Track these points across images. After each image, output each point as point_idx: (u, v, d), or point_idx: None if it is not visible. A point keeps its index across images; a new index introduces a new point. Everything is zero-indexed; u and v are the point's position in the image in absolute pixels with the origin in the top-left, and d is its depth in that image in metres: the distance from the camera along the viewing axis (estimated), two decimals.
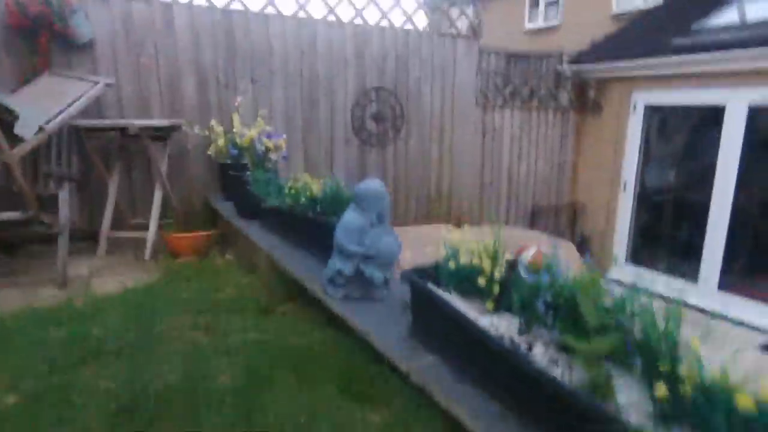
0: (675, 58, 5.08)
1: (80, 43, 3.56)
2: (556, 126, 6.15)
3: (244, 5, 4.20)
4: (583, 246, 6.23)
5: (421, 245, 4.34)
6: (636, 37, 6.15)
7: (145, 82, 3.90)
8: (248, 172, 3.07)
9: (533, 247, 4.15)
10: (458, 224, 5.60)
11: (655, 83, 5.48)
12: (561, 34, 12.07)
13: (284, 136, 3.68)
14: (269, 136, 3.30)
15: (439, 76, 5.18)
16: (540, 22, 12.60)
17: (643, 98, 5.71)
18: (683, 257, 5.81)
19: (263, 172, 3.03)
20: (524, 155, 5.98)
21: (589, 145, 6.31)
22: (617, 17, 10.65)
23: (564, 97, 6.13)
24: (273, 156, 3.26)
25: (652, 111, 5.75)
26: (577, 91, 6.19)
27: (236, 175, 3.23)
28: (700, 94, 5.12)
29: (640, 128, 5.81)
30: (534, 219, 6.20)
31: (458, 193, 5.58)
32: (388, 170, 5.10)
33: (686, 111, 5.51)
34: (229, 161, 3.51)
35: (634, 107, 5.81)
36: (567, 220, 6.42)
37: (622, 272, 6.10)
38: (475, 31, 5.28)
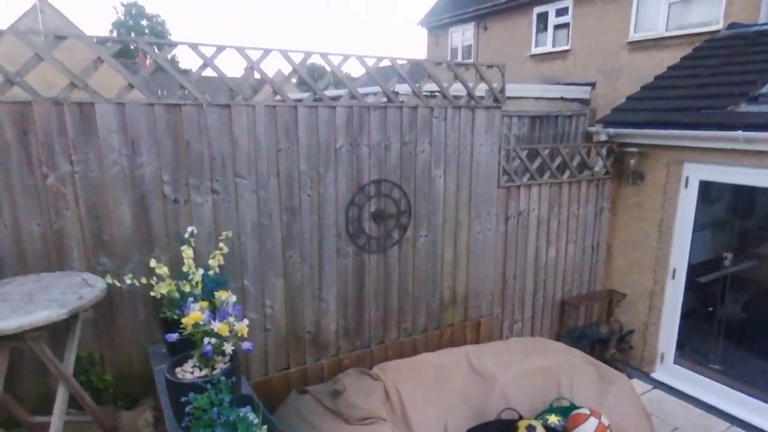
0: (741, 134, 4.07)
1: None
2: (590, 200, 5.12)
3: (195, 96, 3.15)
4: (622, 344, 5.22)
5: (445, 399, 3.31)
6: (682, 92, 5.14)
7: (56, 212, 2.81)
8: (190, 393, 2.01)
9: (592, 419, 2.99)
10: (477, 333, 4.57)
11: (715, 156, 4.47)
12: (570, 60, 11.10)
13: (245, 316, 2.41)
14: (224, 315, 2.23)
15: (453, 157, 4.13)
16: (548, 47, 11.62)
17: (699, 172, 4.70)
18: (749, 361, 4.83)
19: (209, 396, 1.95)
20: (553, 239, 4.95)
21: (628, 221, 5.29)
22: (636, 44, 9.71)
23: (598, 165, 5.10)
24: (228, 348, 2.19)
25: (710, 186, 4.75)
26: (614, 158, 5.17)
27: (173, 383, 2.14)
28: None
29: (693, 207, 4.80)
30: (564, 312, 5.18)
31: (476, 294, 4.53)
32: (391, 279, 4.04)
33: (756, 190, 4.51)
34: (173, 330, 2.41)
35: (687, 182, 4.80)
36: (601, 310, 5.40)
37: (670, 374, 5.10)
38: (497, 99, 4.24)
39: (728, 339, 5.15)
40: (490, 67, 4.19)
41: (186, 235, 2.91)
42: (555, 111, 5.46)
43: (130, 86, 3.12)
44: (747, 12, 8.09)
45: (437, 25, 14.89)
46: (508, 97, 9.45)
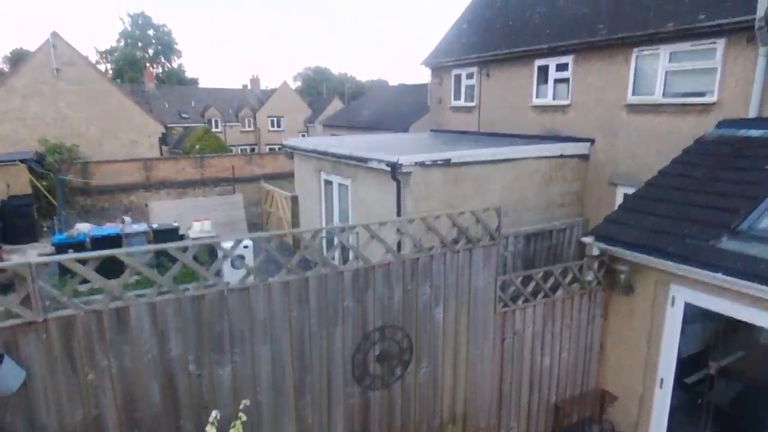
0: (721, 277, 4.37)
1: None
2: (583, 310, 5.43)
3: (217, 285, 3.48)
4: None
5: None
6: (670, 210, 5.41)
7: (95, 403, 3.16)
8: None
9: None
10: None
11: (700, 286, 4.76)
12: (571, 114, 11.36)
13: None
14: None
15: (452, 294, 4.45)
16: (548, 99, 11.88)
17: (684, 294, 4.99)
18: None
19: None
20: (547, 350, 5.26)
21: (619, 327, 5.59)
22: (633, 107, 9.97)
23: (591, 277, 5.40)
24: None
25: (695, 308, 5.03)
26: (607, 269, 5.46)
27: None
28: (754, 314, 4.41)
29: (680, 324, 5.09)
30: (558, 413, 5.49)
31: (474, 409, 4.86)
32: (394, 410, 4.37)
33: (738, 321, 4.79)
34: None
35: (673, 301, 5.09)
36: (594, 411, 5.70)
37: None
38: (493, 237, 4.54)
39: None
40: (485, 210, 4.50)
41: (210, 419, 3.24)
42: (549, 226, 5.75)
43: None
44: (740, 87, 8.35)
45: (440, 67, 15.16)
46: (509, 159, 9.72)
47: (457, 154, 9.08)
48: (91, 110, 18.68)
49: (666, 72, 9.38)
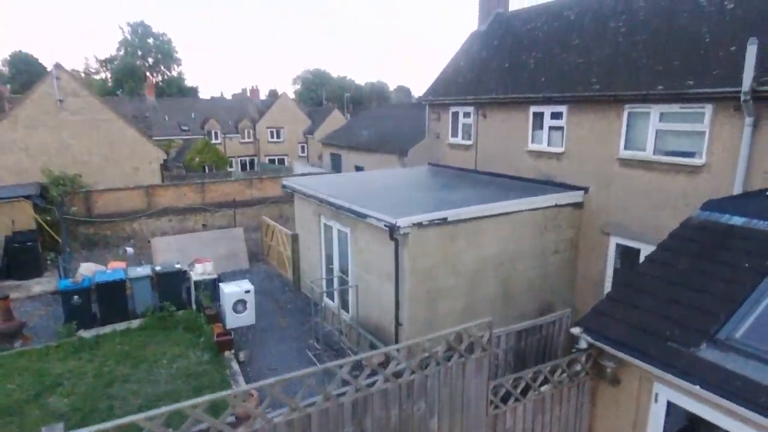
0: (698, 389, 4.64)
1: None
2: (572, 398, 5.69)
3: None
4: None
5: None
6: (653, 304, 5.68)
7: None
8: None
9: None
10: None
11: (681, 389, 5.02)
12: (565, 162, 11.61)
13: None
14: None
15: (446, 404, 4.71)
16: (543, 145, 12.13)
17: (667, 394, 5.26)
18: None
19: None
20: None
21: (607, 413, 5.85)
22: (625, 161, 10.22)
23: (579, 367, 5.66)
24: None
25: (677, 407, 5.29)
26: (594, 360, 5.73)
27: None
28: (731, 425, 4.67)
29: (662, 420, 5.36)
30: None
31: None
32: None
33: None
34: None
35: (656, 397, 5.36)
36: None
37: None
38: (484, 348, 4.80)
39: None
40: (479, 324, 4.76)
41: None
42: (539, 320, 6.00)
43: None
44: (728, 153, 8.61)
45: (438, 103, 15.42)
46: (504, 214, 9.94)
47: (453, 213, 9.33)
48: (94, 139, 18.92)
49: (657, 130, 9.64)
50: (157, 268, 12.18)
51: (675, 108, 9.23)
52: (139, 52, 58.03)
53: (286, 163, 47.34)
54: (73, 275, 13.52)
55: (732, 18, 9.25)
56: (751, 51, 7.69)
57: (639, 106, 9.82)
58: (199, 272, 12.31)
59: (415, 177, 13.97)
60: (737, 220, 6.30)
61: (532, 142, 12.44)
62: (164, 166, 20.99)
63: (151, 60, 58.37)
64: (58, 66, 17.80)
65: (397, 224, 8.66)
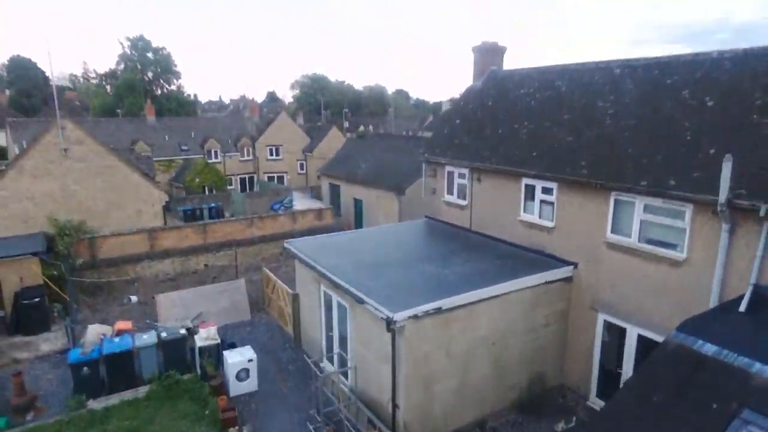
0: None
1: None
2: None
3: None
4: None
5: None
6: None
7: None
8: None
9: None
10: None
11: None
12: (556, 235, 12.09)
13: None
14: None
15: None
16: (535, 217, 12.61)
17: None
18: None
19: None
20: None
21: None
22: (612, 245, 10.69)
23: None
24: None
25: None
26: None
27: None
28: None
29: None
30: None
31: None
32: None
33: None
34: None
35: None
36: None
37: None
38: None
39: None
40: None
41: None
42: None
43: None
44: (707, 253, 9.08)
45: (434, 161, 15.88)
46: (496, 296, 10.40)
47: (447, 301, 9.81)
48: (98, 185, 19.36)
49: (641, 220, 10.12)
50: (163, 334, 12.63)
51: (658, 202, 9.70)
52: (139, 66, 58.35)
53: (285, 180, 47.81)
54: (80, 338, 13.98)
55: (712, 116, 9.73)
56: (727, 167, 8.17)
57: (625, 195, 10.29)
58: (204, 337, 12.76)
59: (413, 241, 14.37)
60: (709, 349, 6.75)
61: (524, 211, 12.91)
62: (166, 207, 21.42)
63: (150, 74, 58.68)
64: (63, 117, 18.22)
65: (394, 319, 9.13)
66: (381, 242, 14.12)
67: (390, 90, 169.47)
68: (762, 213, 7.97)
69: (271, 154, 47.52)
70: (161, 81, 59.95)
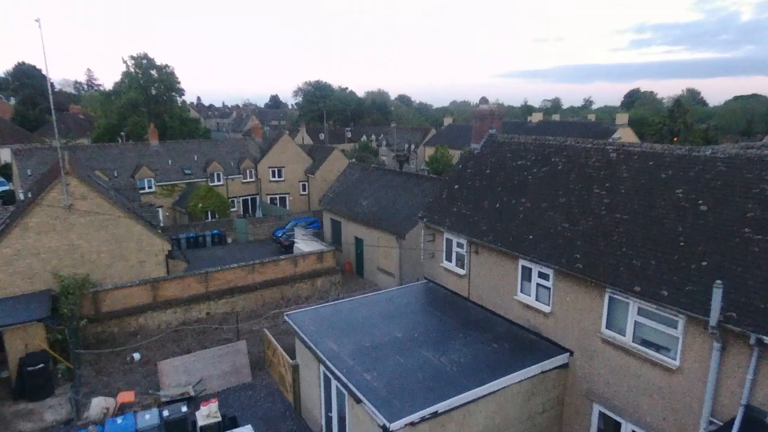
0: None
1: None
2: None
3: None
4: None
5: None
6: None
7: None
8: None
9: None
10: None
11: None
12: (552, 320, 12.23)
13: None
14: None
15: None
16: (531, 299, 12.74)
17: None
18: None
19: None
20: None
21: None
22: (605, 340, 10.82)
23: None
24: None
25: None
26: None
27: None
28: None
29: None
30: None
31: None
32: None
33: None
34: None
35: None
36: None
37: None
38: None
39: None
40: None
41: None
42: None
43: None
44: (699, 365, 9.18)
45: (433, 227, 16.02)
46: (492, 393, 10.52)
47: (443, 405, 9.95)
48: (102, 237, 19.58)
49: (635, 321, 10.24)
50: (165, 413, 12.83)
51: (652, 307, 9.82)
52: (141, 82, 58.60)
53: (287, 201, 48.07)
54: (83, 409, 14.22)
55: (705, 222, 9.85)
56: (717, 293, 8.30)
57: (619, 294, 10.42)
58: (205, 415, 12.96)
59: (412, 316, 14.33)
60: None
61: (521, 291, 13.05)
62: (169, 255, 21.64)
63: (154, 91, 58.91)
64: (67, 173, 18.46)
65: (391, 429, 9.29)
66: (381, 314, 14.24)
67: (392, 95, 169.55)
68: (752, 341, 8.10)
69: (274, 176, 47.72)
70: (165, 98, 60.11)
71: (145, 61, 58.76)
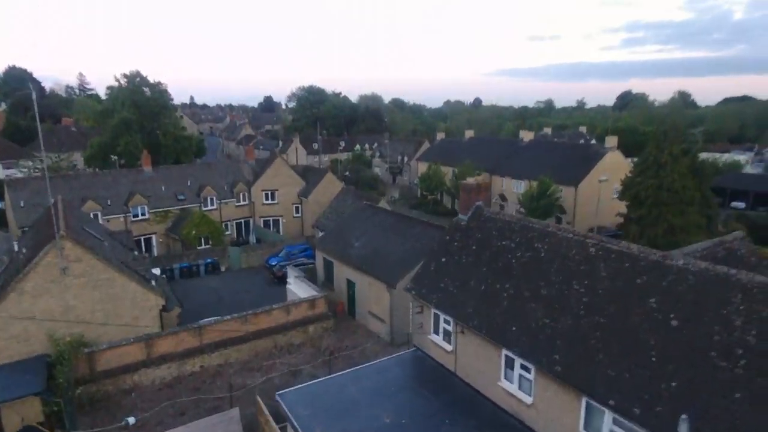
0: None
1: None
2: None
3: None
4: None
5: None
6: None
7: None
8: None
9: None
10: None
11: None
12: (533, 413, 12.70)
13: None
14: None
15: None
16: (515, 387, 13.21)
17: None
18: None
19: None
20: None
21: None
22: None
23: None
24: None
25: None
26: None
27: None
28: None
29: None
30: None
31: None
32: None
33: None
34: None
35: None
36: None
37: None
38: None
39: None
40: None
41: None
42: None
43: None
44: None
45: (421, 302, 16.46)
46: None
47: None
48: (96, 297, 19.91)
49: (611, 430, 10.73)
50: None
51: (626, 420, 10.31)
52: (134, 101, 58.64)
53: (281, 224, 48.38)
54: None
55: (676, 338, 10.33)
56: (683, 428, 8.78)
57: (595, 402, 10.90)
58: None
59: (401, 395, 14.80)
60: None
61: (505, 378, 13.52)
62: (164, 308, 21.98)
63: (147, 110, 58.98)
64: (62, 236, 18.75)
65: None
66: (371, 391, 14.71)
67: (386, 98, 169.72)
68: None
69: (267, 199, 48.00)
70: (158, 113, 60.17)
71: (138, 79, 58.79)
